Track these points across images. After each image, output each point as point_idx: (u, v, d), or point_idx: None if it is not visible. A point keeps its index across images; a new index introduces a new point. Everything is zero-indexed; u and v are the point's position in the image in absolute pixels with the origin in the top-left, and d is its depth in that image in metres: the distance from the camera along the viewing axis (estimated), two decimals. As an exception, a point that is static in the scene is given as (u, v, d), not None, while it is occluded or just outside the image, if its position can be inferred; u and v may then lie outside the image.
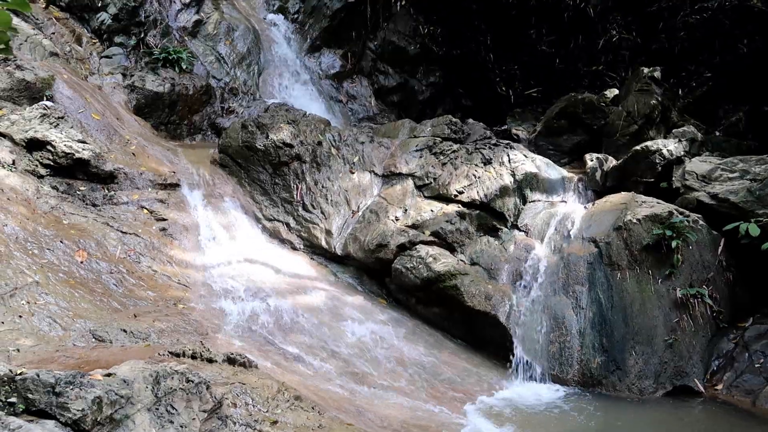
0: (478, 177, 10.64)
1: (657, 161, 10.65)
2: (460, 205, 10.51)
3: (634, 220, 9.46)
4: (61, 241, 8.32)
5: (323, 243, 10.69)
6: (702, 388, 8.84)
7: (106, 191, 9.67)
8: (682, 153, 10.71)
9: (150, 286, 8.59)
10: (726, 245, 9.52)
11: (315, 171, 11.07)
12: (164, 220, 9.77)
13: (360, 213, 10.83)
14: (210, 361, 6.10)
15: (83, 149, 9.52)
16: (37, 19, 11.84)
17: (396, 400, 7.76)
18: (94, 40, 13.03)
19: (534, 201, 10.79)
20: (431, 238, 10.20)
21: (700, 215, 9.62)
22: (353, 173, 11.17)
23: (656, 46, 14.35)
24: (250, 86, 15.05)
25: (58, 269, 7.89)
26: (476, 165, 10.81)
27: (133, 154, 10.52)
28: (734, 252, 9.55)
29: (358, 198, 11.00)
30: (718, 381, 8.94)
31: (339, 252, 10.62)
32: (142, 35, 13.73)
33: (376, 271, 10.53)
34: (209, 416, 4.88)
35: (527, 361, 9.18)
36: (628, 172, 10.89)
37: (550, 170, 11.18)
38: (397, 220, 10.51)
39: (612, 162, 11.32)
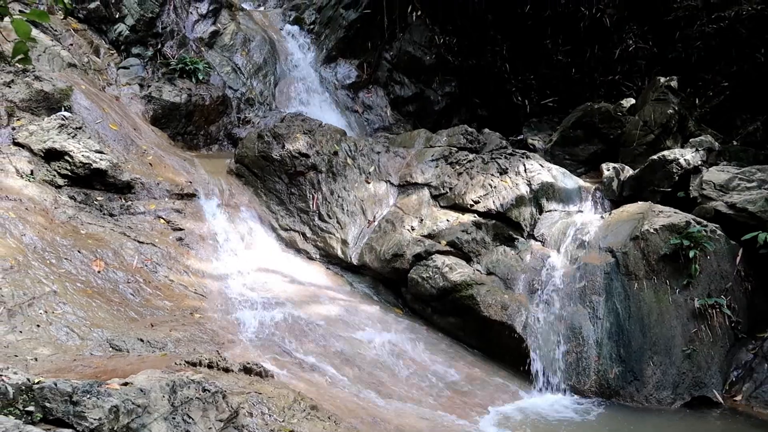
0: (494, 187, 10.63)
1: (674, 171, 10.61)
2: (476, 215, 10.50)
3: (652, 230, 9.42)
4: (78, 251, 8.36)
5: (339, 253, 10.69)
6: (721, 399, 8.78)
7: (123, 201, 9.72)
8: (700, 162, 10.66)
9: (167, 296, 8.62)
10: (744, 255, 9.45)
11: (331, 181, 11.09)
12: (181, 229, 9.81)
13: (376, 223, 10.84)
14: (226, 370, 6.11)
15: (101, 159, 9.58)
16: (56, 31, 11.94)
17: (412, 410, 7.75)
18: (111, 51, 13.12)
19: (550, 211, 10.77)
20: (447, 248, 10.19)
21: (717, 225, 9.55)
22: (369, 183, 11.18)
23: (673, 55, 14.29)
24: (266, 96, 15.11)
25: (75, 279, 7.93)
26: (492, 175, 10.80)
27: (150, 164, 10.57)
28: (752, 262, 9.48)
29: (374, 208, 11.01)
30: (737, 392, 8.87)
31: (355, 262, 10.63)
32: (159, 46, 13.82)
33: (392, 281, 10.52)
34: (225, 425, 4.88)
35: (544, 372, 9.14)
36: (644, 182, 10.85)
37: (567, 180, 11.15)
38: (412, 229, 10.50)
39: (629, 171, 11.29)
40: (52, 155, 9.33)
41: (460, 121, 15.75)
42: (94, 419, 4.05)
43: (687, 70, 13.73)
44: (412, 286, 10.09)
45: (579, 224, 10.41)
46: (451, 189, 10.81)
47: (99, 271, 8.29)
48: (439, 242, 10.24)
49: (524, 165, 10.94)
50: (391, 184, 11.26)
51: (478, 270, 10.03)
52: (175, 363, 5.97)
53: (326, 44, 16.82)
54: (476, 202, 10.57)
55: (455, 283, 9.75)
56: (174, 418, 4.49)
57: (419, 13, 16.70)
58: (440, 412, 7.88)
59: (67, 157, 9.36)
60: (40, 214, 8.59)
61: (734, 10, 13.05)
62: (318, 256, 10.84)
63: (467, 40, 16.66)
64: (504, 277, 9.94)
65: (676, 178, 10.60)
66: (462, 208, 10.63)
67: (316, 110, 15.12)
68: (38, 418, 4.04)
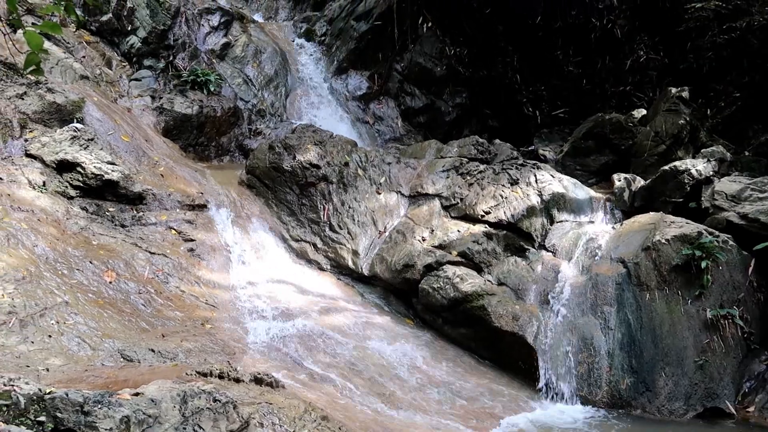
0: (505, 197, 10.62)
1: (686, 181, 10.57)
2: (486, 226, 10.49)
3: (663, 241, 9.39)
4: (90, 262, 8.39)
5: (350, 263, 10.70)
6: (733, 410, 8.72)
7: (135, 212, 9.75)
8: (711, 173, 10.63)
9: (178, 306, 8.63)
10: (756, 265, 9.40)
11: (342, 192, 11.10)
12: (192, 240, 9.83)
13: (387, 233, 10.84)
14: (237, 380, 6.10)
15: (112, 171, 9.62)
16: (68, 43, 12.00)
17: (423, 421, 7.72)
18: (123, 63, 13.18)
19: (561, 221, 10.75)
20: (458, 259, 10.18)
21: (729, 235, 9.51)
22: (380, 194, 11.19)
23: (684, 65, 14.27)
24: (277, 108, 15.15)
25: (87, 289, 7.95)
26: (503, 185, 10.79)
27: (162, 175, 10.61)
28: (765, 272, 9.42)
29: (385, 218, 11.01)
30: (749, 403, 8.82)
31: (366, 272, 10.62)
32: (171, 58, 13.88)
33: (402, 292, 10.51)
34: (236, 436, 4.88)
35: (555, 382, 9.10)
36: (656, 192, 10.82)
37: (578, 190, 11.13)
38: (423, 240, 10.50)
39: (640, 182, 11.25)
40: (64, 166, 9.38)
41: (470, 132, 15.73)
42: (105, 429, 4.05)
43: (698, 80, 13.70)
44: (423, 297, 10.08)
45: (590, 235, 10.39)
46: (462, 200, 10.81)
47: (110, 282, 8.31)
48: (450, 253, 10.23)
49: (535, 176, 10.92)
50: (402, 194, 11.26)
51: (489, 281, 10.01)
52: (186, 373, 5.97)
53: (337, 56, 16.85)
54: (487, 213, 10.56)
55: (466, 293, 9.73)
56: (185, 429, 4.49)
57: (430, 24, 16.72)
58: (451, 423, 7.85)
59: (79, 169, 9.40)
60: (52, 225, 8.63)
61: (746, 21, 13.00)
62: (329, 267, 10.85)
63: (478, 52, 16.66)
64: (515, 288, 9.92)
65: (688, 188, 10.56)
66: (473, 219, 10.62)
67: (327, 121, 15.12)
68: (49, 429, 4.05)
